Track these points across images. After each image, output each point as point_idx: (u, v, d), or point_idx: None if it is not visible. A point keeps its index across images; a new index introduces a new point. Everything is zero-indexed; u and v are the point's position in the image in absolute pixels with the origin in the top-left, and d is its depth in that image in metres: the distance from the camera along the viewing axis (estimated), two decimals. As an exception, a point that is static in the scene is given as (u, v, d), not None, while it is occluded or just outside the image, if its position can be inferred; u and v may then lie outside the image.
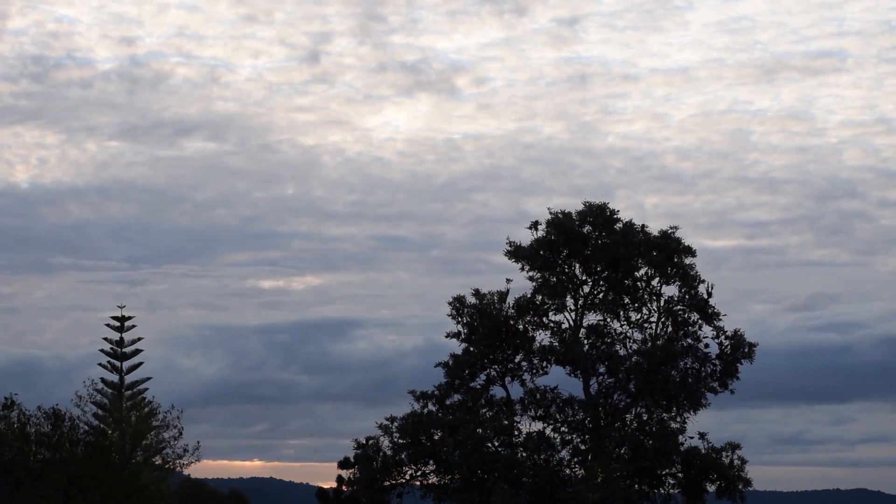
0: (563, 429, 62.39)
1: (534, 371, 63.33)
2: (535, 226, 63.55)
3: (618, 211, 63.15)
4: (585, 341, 62.64)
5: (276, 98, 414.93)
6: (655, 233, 62.86)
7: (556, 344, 62.71)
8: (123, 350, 73.15)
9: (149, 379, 72.54)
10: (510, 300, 63.37)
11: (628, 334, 62.69)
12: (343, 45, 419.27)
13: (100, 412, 69.04)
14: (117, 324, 73.52)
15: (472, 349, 63.12)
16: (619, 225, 62.91)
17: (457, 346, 63.53)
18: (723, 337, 61.70)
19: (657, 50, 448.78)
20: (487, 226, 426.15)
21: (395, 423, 61.73)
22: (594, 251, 62.65)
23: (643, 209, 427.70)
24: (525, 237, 63.60)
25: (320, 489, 71.24)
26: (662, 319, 62.47)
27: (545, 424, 62.71)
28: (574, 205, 64.31)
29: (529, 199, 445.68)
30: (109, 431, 66.60)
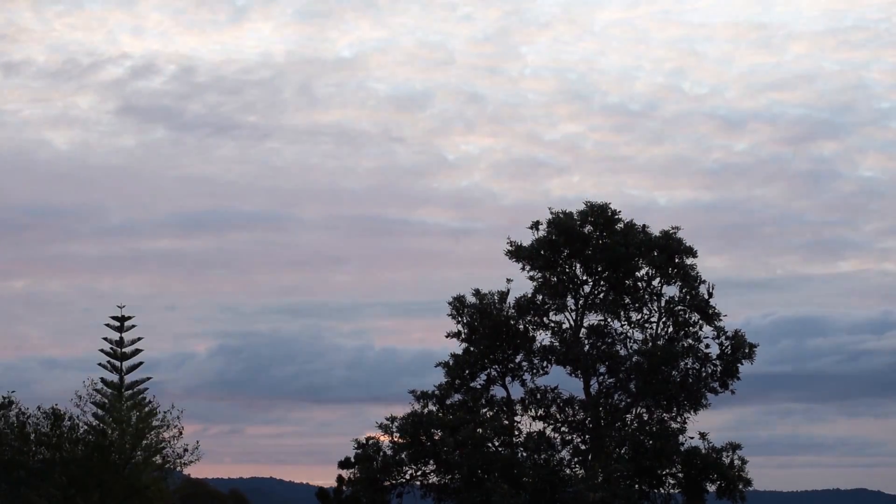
0: (563, 429, 62.40)
1: (534, 371, 63.35)
2: (535, 226, 63.65)
3: (619, 211, 63.35)
4: (586, 341, 62.64)
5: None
6: (657, 233, 62.96)
7: (557, 344, 62.72)
8: (123, 350, 73.36)
9: (149, 378, 72.87)
10: (510, 300, 63.43)
11: (629, 334, 62.71)
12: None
13: (100, 412, 69.10)
14: (117, 324, 73.73)
15: (472, 349, 63.13)
16: (620, 225, 62.99)
17: (457, 346, 63.66)
18: (723, 337, 61.71)
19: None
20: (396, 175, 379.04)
21: (396, 423, 61.73)
22: (595, 251, 62.68)
23: (581, 151, 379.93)
24: (526, 237, 63.75)
25: (320, 489, 71.26)
26: (663, 320, 62.49)
27: (545, 424, 62.73)
28: (575, 204, 64.49)
29: (443, 140, 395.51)
30: (109, 431, 66.56)
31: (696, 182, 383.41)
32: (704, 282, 62.17)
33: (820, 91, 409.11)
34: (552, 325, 63.21)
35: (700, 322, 62.16)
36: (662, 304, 62.59)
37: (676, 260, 62.30)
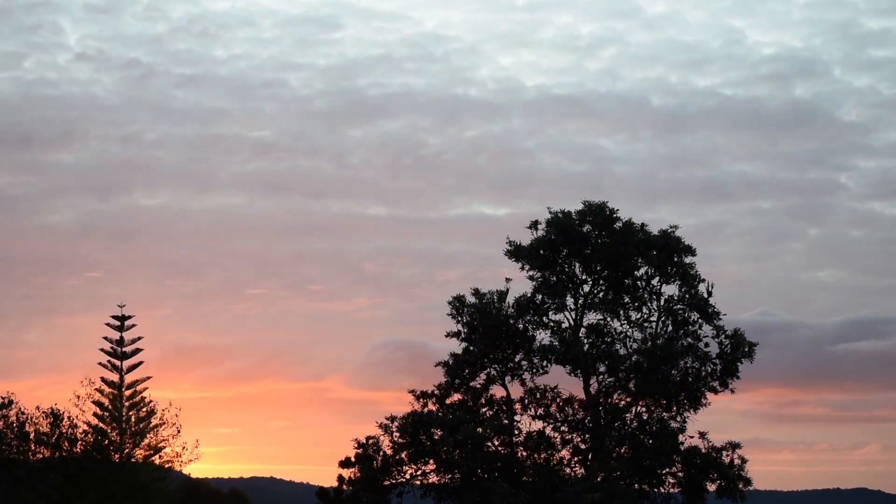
0: (563, 428, 62.43)
1: (534, 370, 63.34)
2: (534, 225, 63.72)
3: (617, 210, 63.41)
4: (585, 340, 62.66)
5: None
6: (655, 232, 63.03)
7: (556, 343, 62.71)
8: (123, 350, 73.31)
9: (149, 378, 72.80)
10: (510, 299, 63.46)
11: (628, 333, 62.71)
12: None
13: (99, 411, 69.14)
14: (117, 323, 73.69)
15: (471, 348, 63.15)
16: (619, 224, 63.05)
17: (457, 346, 63.67)
18: (723, 336, 61.71)
19: None
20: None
21: (396, 423, 61.79)
22: (594, 250, 62.74)
23: (519, 93, 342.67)
24: (525, 237, 63.81)
25: (321, 489, 71.30)
26: (662, 319, 62.50)
27: (545, 423, 62.76)
28: (572, 204, 64.51)
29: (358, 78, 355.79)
30: (108, 430, 66.62)
31: (652, 128, 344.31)
32: (703, 280, 62.28)
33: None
34: (551, 324, 63.24)
35: (699, 321, 62.17)
36: (662, 303, 62.64)
37: (675, 259, 62.36)
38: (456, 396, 63.32)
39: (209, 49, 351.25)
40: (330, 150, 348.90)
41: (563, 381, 63.06)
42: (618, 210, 63.21)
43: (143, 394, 71.32)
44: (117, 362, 72.87)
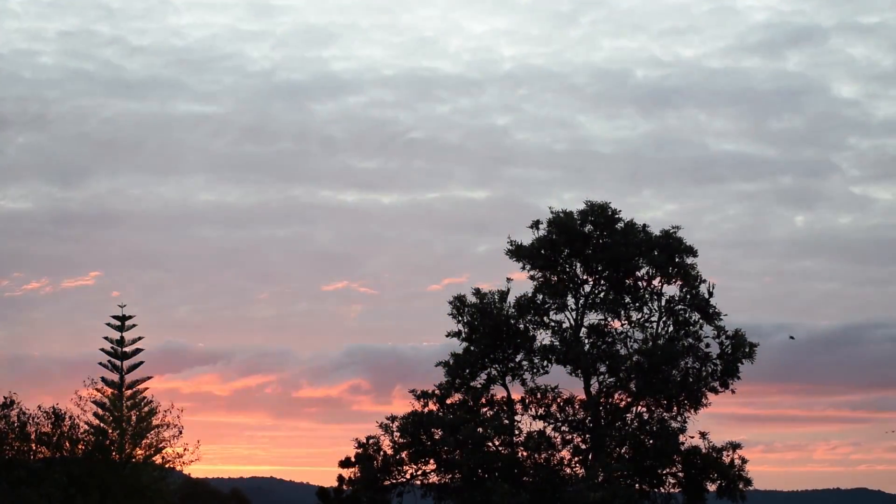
0: (563, 428, 62.45)
1: (534, 370, 63.37)
2: (536, 225, 63.73)
3: (619, 211, 63.40)
4: (586, 341, 62.67)
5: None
6: (657, 233, 63.02)
7: (557, 343, 62.75)
8: (124, 350, 73.27)
9: (149, 378, 72.79)
10: (511, 299, 63.49)
11: (629, 334, 62.75)
12: None
13: (100, 411, 69.15)
14: (118, 323, 73.64)
15: (472, 348, 63.15)
16: (621, 224, 63.05)
17: (457, 346, 63.65)
18: (723, 337, 61.72)
19: None
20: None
21: (396, 423, 61.79)
22: (595, 251, 62.75)
23: (494, 65, 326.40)
24: (526, 236, 63.80)
25: (321, 488, 71.26)
26: (663, 319, 62.52)
27: (546, 424, 62.77)
28: (573, 203, 64.52)
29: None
30: (110, 430, 66.61)
31: (634, 104, 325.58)
32: (705, 281, 62.32)
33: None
34: (552, 324, 63.25)
35: (700, 321, 62.19)
36: (663, 303, 62.65)
37: (676, 259, 62.37)
38: (456, 396, 63.34)
39: (162, 16, 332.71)
40: (294, 128, 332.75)
41: (564, 381, 63.21)
42: (620, 211, 63.31)
43: (144, 393, 71.41)
44: (118, 362, 72.82)
